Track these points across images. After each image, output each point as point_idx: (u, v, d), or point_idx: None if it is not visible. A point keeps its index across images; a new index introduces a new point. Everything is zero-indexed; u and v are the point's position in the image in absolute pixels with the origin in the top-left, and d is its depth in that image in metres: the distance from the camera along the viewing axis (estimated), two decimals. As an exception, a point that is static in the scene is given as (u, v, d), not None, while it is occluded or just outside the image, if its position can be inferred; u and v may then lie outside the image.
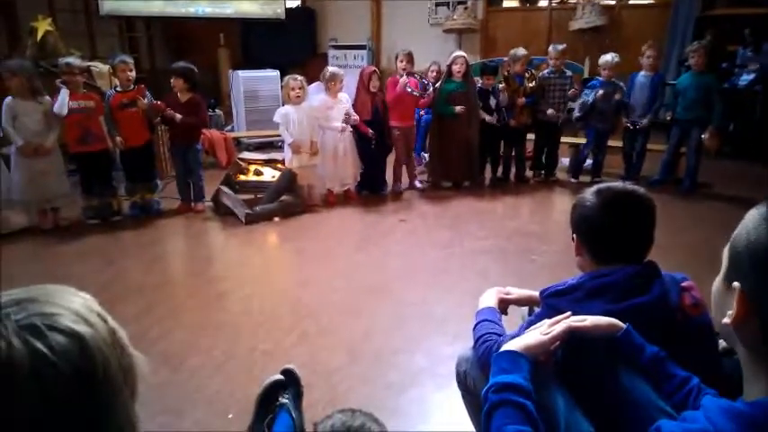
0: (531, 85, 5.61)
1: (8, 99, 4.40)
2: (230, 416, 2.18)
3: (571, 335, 1.21)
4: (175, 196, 5.18)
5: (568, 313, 1.26)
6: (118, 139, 4.70)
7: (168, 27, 8.61)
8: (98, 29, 7.58)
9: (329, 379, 2.45)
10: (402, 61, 5.41)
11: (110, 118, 4.70)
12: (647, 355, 1.21)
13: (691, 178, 5.44)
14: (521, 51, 5.64)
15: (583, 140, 5.96)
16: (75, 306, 0.59)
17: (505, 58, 5.90)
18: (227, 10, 7.83)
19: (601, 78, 5.57)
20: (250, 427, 1.92)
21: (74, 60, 4.69)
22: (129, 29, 8.05)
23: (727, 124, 6.32)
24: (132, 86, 4.79)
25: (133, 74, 4.81)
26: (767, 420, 0.69)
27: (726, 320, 0.76)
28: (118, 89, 4.82)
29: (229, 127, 7.43)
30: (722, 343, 1.40)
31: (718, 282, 0.81)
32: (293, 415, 1.92)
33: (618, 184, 1.50)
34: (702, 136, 5.25)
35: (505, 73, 5.73)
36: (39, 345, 0.53)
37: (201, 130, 5.29)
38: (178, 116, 4.80)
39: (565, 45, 5.80)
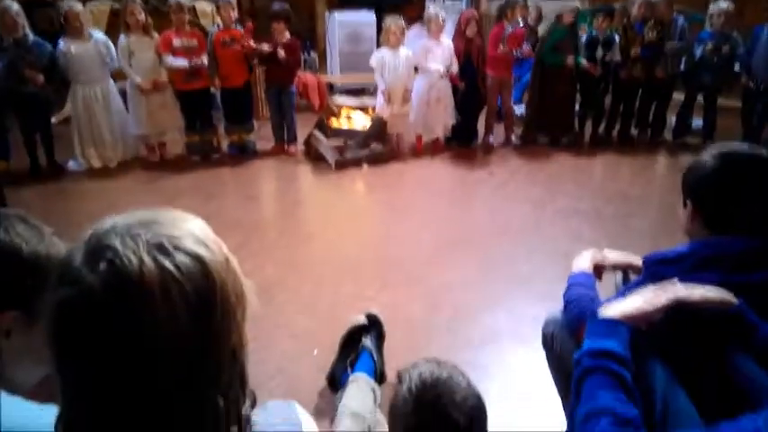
0: (651, 35, 5.10)
1: (122, 37, 4.65)
2: (315, 352, 2.28)
3: (677, 306, 1.12)
4: (269, 138, 5.35)
5: (675, 279, 1.16)
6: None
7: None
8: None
9: (409, 327, 2.49)
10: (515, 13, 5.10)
11: (212, 56, 4.83)
12: (761, 335, 1.10)
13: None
14: None
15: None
16: (194, 230, 0.61)
17: (617, 5, 5.41)
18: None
19: (710, 30, 4.98)
20: (333, 364, 2.01)
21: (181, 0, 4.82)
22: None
23: None
24: (234, 25, 4.90)
25: (236, 13, 4.91)
26: None
27: None
28: (220, 27, 4.95)
29: (324, 71, 7.47)
30: None
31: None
32: (374, 357, 1.98)
33: (742, 145, 1.34)
34: None
35: (624, 21, 5.26)
36: (166, 263, 0.56)
37: (296, 73, 5.35)
38: (282, 53, 4.83)
39: None
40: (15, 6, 4.26)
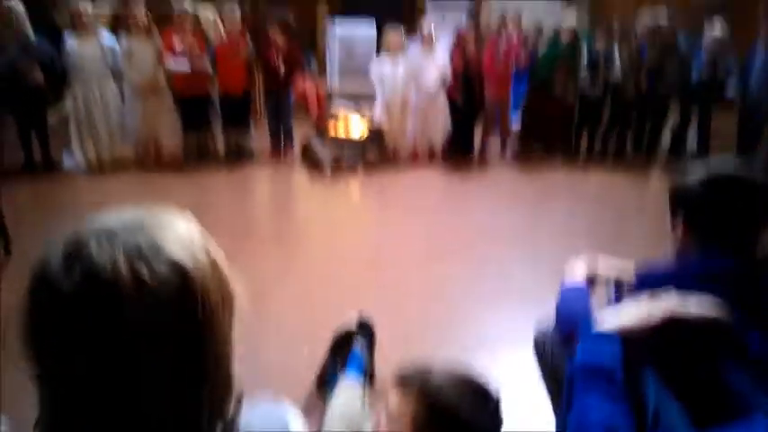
0: (655, 57, 5.13)
1: (123, 39, 4.64)
2: (305, 351, 2.27)
3: (671, 320, 1.12)
4: (266, 141, 5.33)
5: (671, 295, 1.16)
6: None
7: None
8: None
9: (402, 330, 2.48)
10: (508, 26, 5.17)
11: (213, 65, 4.83)
12: (753, 348, 1.11)
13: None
14: (647, 15, 5.18)
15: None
16: (180, 233, 0.59)
17: (614, 24, 5.47)
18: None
19: (705, 52, 5.05)
20: (324, 365, 2.00)
21: (185, 7, 4.81)
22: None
23: None
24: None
25: (238, 21, 4.91)
26: None
27: None
28: (222, 36, 4.96)
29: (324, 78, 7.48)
30: None
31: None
32: (365, 360, 1.97)
33: (728, 164, 1.35)
34: None
35: (630, 42, 5.31)
36: (143, 270, 0.54)
37: (295, 79, 5.35)
38: (282, 69, 4.89)
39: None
40: (18, 6, 4.26)
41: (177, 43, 4.67)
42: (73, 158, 4.72)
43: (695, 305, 1.13)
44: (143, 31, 4.65)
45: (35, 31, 4.43)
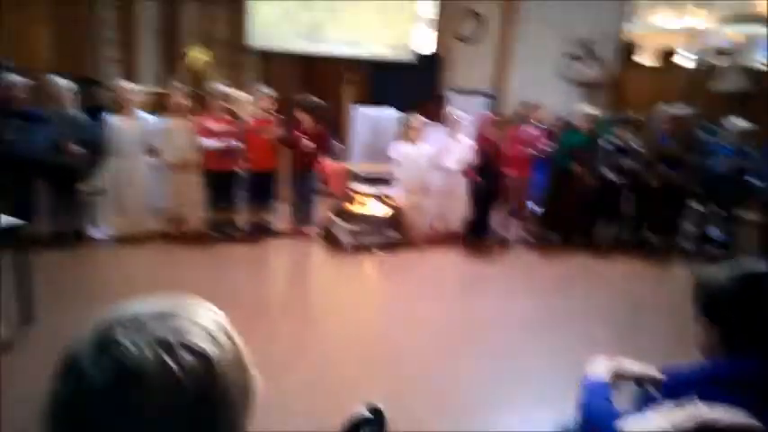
0: (676, 149, 5.23)
1: (162, 117, 4.88)
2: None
3: (702, 427, 1.07)
4: (288, 217, 5.43)
5: (696, 401, 1.12)
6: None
7: (304, 61, 9.21)
8: (244, 60, 8.33)
9: (415, 423, 2.39)
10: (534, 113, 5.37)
11: (243, 142, 5.03)
12: None
13: None
14: (670, 109, 5.30)
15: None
16: (207, 324, 0.61)
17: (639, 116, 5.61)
18: (362, 53, 8.19)
19: (727, 145, 5.11)
20: (332, 458, 1.92)
21: (223, 88, 5.10)
22: (269, 61, 8.74)
23: None
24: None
25: (269, 103, 5.17)
26: None
27: None
28: (253, 117, 5.20)
29: (346, 160, 7.71)
30: None
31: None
32: (376, 452, 1.88)
33: (758, 264, 1.33)
34: None
35: (651, 129, 5.43)
36: (169, 361, 0.55)
37: (320, 159, 5.53)
38: (312, 145, 5.06)
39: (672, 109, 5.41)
40: (62, 81, 4.54)
41: (211, 123, 4.89)
42: (101, 230, 4.84)
43: (725, 412, 1.09)
44: (180, 111, 4.90)
45: (81, 107, 4.68)
